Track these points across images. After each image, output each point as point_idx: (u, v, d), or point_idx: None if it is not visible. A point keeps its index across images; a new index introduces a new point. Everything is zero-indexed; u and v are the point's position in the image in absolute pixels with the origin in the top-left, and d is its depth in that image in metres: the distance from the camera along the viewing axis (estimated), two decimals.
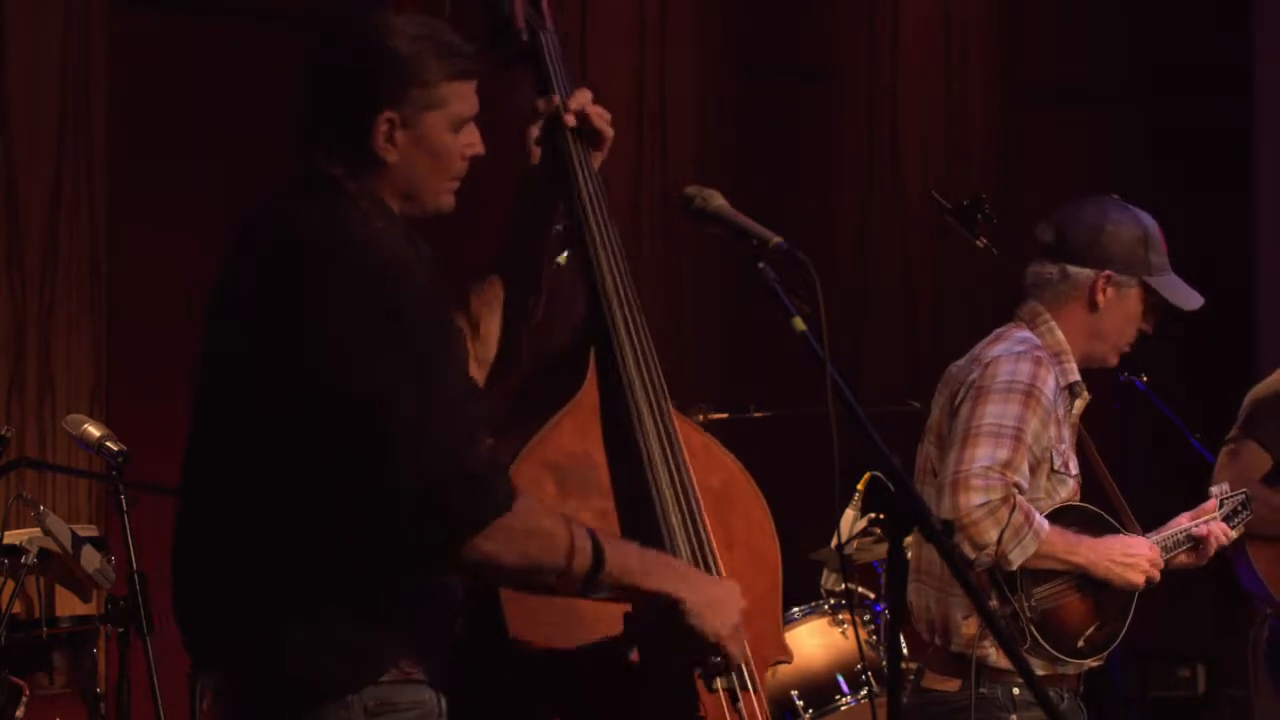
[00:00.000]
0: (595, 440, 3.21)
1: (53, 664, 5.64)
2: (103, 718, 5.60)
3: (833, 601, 5.59)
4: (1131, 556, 4.17)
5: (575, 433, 3.19)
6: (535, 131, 3.30)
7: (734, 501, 3.32)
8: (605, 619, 3.10)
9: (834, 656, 5.50)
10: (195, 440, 3.03)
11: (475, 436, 2.90)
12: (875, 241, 8.31)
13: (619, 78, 7.72)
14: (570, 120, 3.29)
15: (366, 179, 3.03)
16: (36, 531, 5.43)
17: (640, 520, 3.16)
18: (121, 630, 5.41)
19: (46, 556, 5.44)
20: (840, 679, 5.48)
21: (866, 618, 5.63)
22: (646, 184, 7.75)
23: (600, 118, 3.32)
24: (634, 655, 3.11)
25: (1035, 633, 4.05)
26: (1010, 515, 3.95)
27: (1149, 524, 4.35)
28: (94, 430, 5.49)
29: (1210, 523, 4.40)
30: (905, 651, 5.03)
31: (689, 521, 3.18)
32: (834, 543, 5.45)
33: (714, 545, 3.20)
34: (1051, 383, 4.13)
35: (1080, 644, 4.13)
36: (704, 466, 3.27)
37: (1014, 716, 4.08)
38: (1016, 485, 3.99)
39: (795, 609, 5.55)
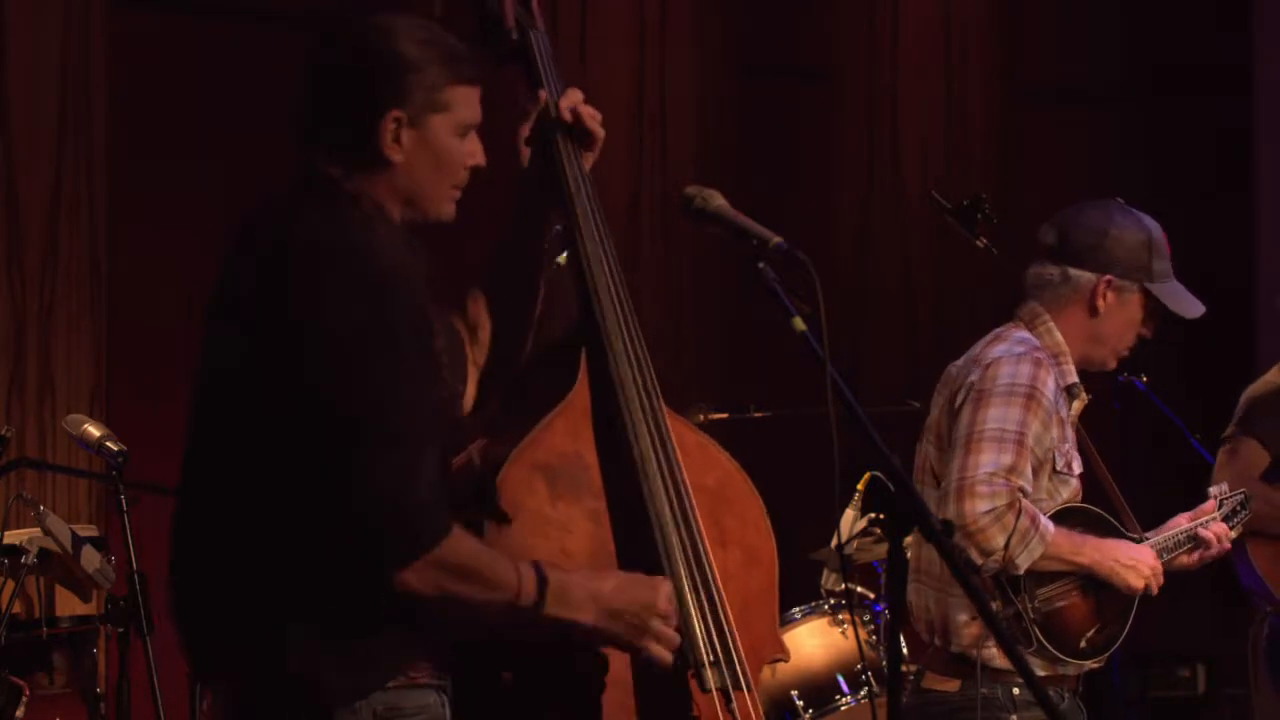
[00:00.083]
0: (587, 441, 3.20)
1: (53, 664, 5.63)
2: (103, 718, 5.60)
3: (833, 601, 5.59)
4: (1135, 560, 4.18)
5: (566, 433, 3.19)
6: (525, 131, 3.31)
7: (729, 500, 3.31)
8: None
9: (834, 656, 5.50)
10: (195, 440, 3.03)
11: (422, 469, 2.89)
12: (875, 241, 8.31)
13: (619, 78, 7.72)
14: (566, 116, 3.29)
15: (368, 181, 3.03)
16: (36, 531, 5.43)
17: (633, 520, 3.16)
18: (121, 630, 5.41)
19: (46, 556, 5.44)
20: (840, 679, 5.48)
21: (866, 618, 5.63)
22: (646, 184, 7.76)
23: (592, 118, 3.31)
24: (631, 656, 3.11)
25: (1039, 634, 4.06)
26: (1016, 520, 3.96)
27: (1149, 524, 4.35)
28: (94, 430, 5.49)
29: (1212, 525, 4.40)
30: (905, 652, 5.04)
31: (682, 520, 3.18)
32: (834, 543, 5.45)
33: (707, 544, 3.20)
34: (1052, 384, 4.13)
35: (1082, 645, 4.14)
36: (698, 466, 3.27)
37: (1014, 717, 4.08)
38: (1021, 489, 4.00)
39: (795, 609, 5.55)
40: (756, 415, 6.38)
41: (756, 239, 3.12)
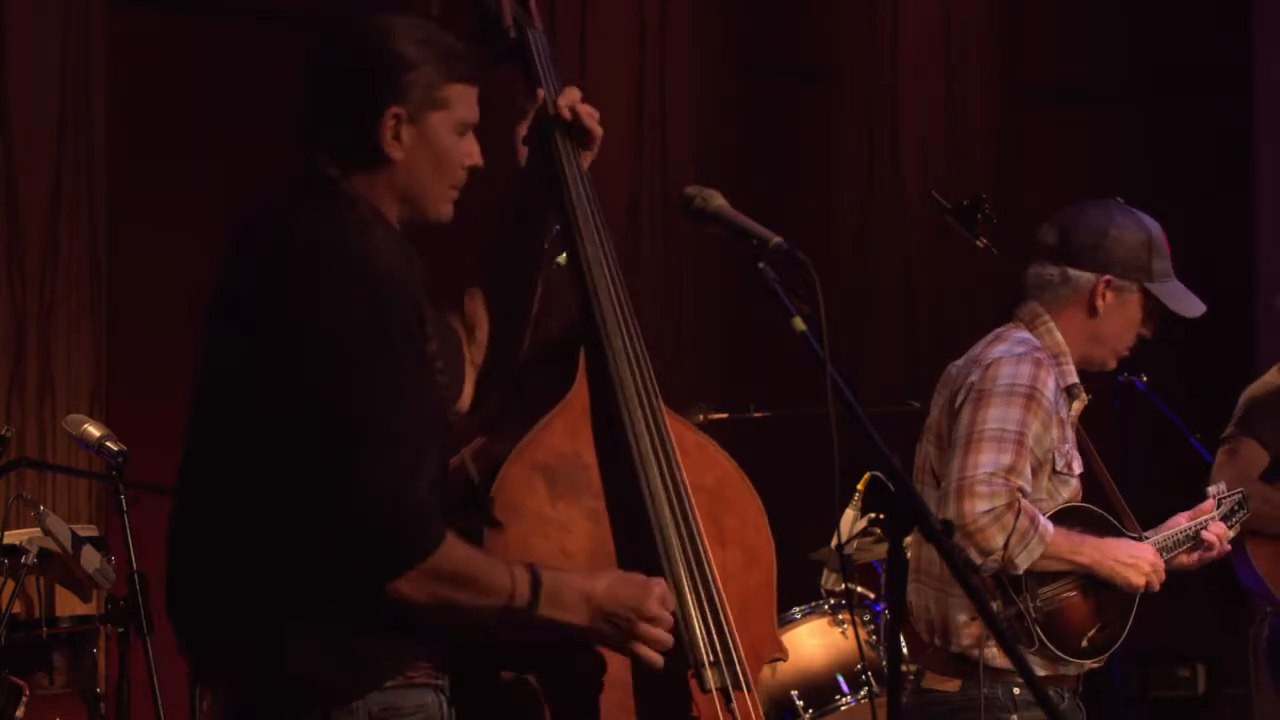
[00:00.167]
0: (586, 441, 3.20)
1: (53, 664, 5.63)
2: (103, 718, 5.60)
3: (833, 601, 5.59)
4: (1135, 558, 4.18)
5: (565, 434, 3.19)
6: (523, 130, 3.31)
7: (728, 500, 3.31)
8: None
9: (834, 656, 5.50)
10: (194, 440, 3.03)
11: (423, 469, 2.90)
12: (875, 241, 8.31)
13: (619, 78, 7.72)
14: (565, 114, 3.29)
15: (368, 181, 3.03)
16: (36, 531, 5.43)
17: (632, 520, 3.16)
18: (121, 630, 5.41)
19: (46, 556, 5.44)
20: (840, 679, 5.47)
21: (866, 618, 5.63)
22: (646, 184, 7.76)
23: (590, 116, 3.31)
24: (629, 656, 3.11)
25: (1040, 633, 4.06)
26: (1016, 520, 3.96)
27: (1149, 524, 4.36)
28: (94, 430, 5.49)
29: (1212, 525, 4.40)
30: (905, 652, 5.04)
31: (681, 520, 3.18)
32: (834, 543, 5.45)
33: (707, 543, 3.19)
34: (1052, 384, 4.13)
35: (1083, 644, 4.14)
36: (697, 465, 3.27)
37: (1014, 716, 4.08)
38: (1020, 490, 4.00)
39: (795, 609, 5.55)
40: (756, 415, 6.38)
41: (756, 239, 3.12)
